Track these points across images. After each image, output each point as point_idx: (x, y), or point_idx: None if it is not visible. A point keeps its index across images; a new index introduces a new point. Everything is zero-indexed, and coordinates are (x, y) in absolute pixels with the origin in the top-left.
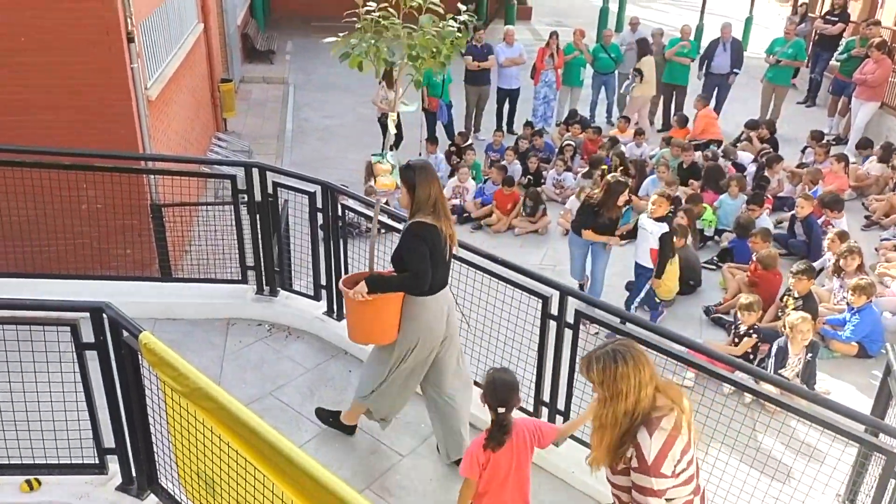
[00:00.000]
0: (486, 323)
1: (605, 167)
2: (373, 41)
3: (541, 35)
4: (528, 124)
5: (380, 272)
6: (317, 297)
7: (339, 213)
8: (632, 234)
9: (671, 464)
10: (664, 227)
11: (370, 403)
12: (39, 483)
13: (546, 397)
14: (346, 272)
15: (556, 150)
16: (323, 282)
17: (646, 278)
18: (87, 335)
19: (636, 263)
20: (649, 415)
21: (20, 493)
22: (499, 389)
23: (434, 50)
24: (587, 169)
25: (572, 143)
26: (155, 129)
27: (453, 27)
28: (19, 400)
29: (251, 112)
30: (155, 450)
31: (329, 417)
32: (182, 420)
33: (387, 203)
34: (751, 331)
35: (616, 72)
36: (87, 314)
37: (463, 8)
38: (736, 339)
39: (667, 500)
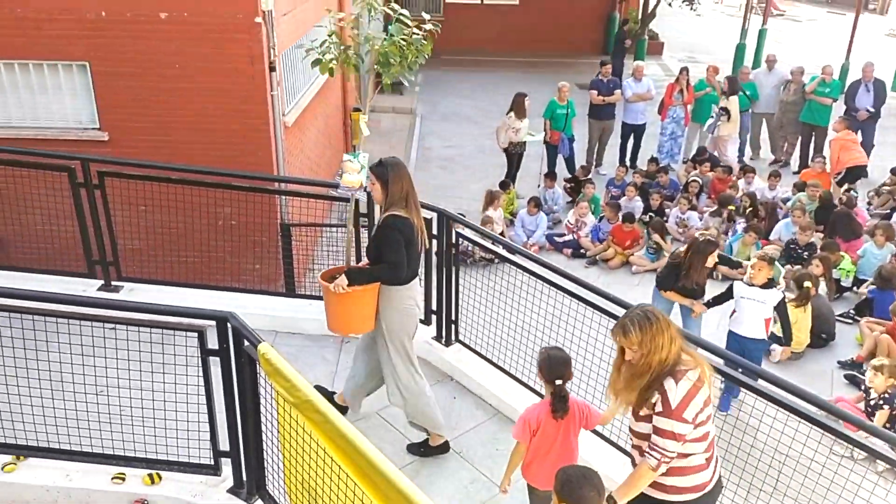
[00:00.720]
0: (593, 360)
1: (733, 207)
2: (342, 48)
3: (671, 71)
4: (653, 160)
5: (357, 265)
6: (426, 322)
7: (454, 240)
8: (720, 299)
9: (693, 411)
10: (778, 295)
11: (420, 416)
12: (160, 478)
13: None
14: (457, 299)
15: (681, 187)
16: (434, 307)
17: (759, 351)
18: (213, 342)
19: (734, 335)
20: (676, 366)
21: (143, 485)
22: (554, 364)
23: (401, 56)
24: (715, 208)
25: (698, 179)
26: (289, 153)
27: (419, 34)
28: (148, 398)
29: (379, 140)
30: (265, 457)
31: (420, 448)
32: (291, 430)
33: (501, 233)
34: (881, 401)
35: (750, 111)
36: (214, 323)
37: (427, 17)
38: (868, 408)
39: (684, 453)
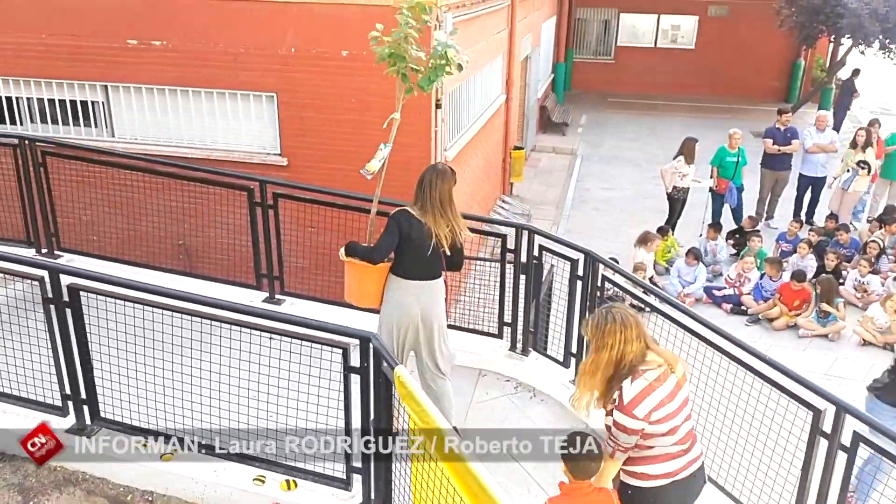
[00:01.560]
0: (743, 426)
1: None
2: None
3: (860, 122)
4: (832, 217)
5: (357, 242)
6: (565, 364)
7: (599, 283)
8: None
9: (645, 409)
10: None
11: None
12: (296, 484)
13: None
14: None
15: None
16: (574, 349)
17: None
18: (355, 360)
19: None
20: (636, 367)
21: (280, 489)
22: None
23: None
24: None
25: (879, 241)
26: None
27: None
28: (293, 406)
29: (537, 179)
30: (393, 478)
31: None
32: (420, 455)
33: (653, 282)
34: None
35: None
36: (357, 342)
37: (454, 48)
38: None
39: (648, 445)
